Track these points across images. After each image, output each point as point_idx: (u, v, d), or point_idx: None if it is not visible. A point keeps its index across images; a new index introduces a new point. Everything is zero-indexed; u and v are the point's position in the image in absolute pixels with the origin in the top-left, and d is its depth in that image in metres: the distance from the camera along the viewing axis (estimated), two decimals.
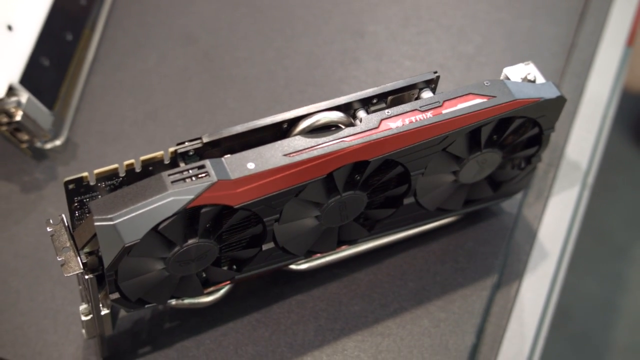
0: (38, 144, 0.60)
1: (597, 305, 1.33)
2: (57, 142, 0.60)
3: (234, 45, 0.66)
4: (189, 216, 0.45)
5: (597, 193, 1.45)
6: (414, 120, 0.47)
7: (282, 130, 0.47)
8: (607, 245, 1.41)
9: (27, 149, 0.59)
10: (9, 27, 0.58)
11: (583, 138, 0.62)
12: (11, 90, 0.57)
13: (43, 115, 0.58)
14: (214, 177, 0.44)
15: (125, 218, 0.43)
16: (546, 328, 0.57)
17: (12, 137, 0.58)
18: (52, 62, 0.60)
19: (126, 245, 0.43)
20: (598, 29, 0.67)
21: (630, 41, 0.68)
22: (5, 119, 0.56)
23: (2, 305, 0.54)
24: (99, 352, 0.51)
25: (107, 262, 0.44)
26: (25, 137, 0.58)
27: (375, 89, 0.48)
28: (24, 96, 0.56)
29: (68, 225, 0.45)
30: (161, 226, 0.44)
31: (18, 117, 0.56)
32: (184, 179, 0.44)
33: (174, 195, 0.43)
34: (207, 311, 0.54)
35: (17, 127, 0.57)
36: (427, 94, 0.49)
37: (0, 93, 0.56)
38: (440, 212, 0.55)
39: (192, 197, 0.43)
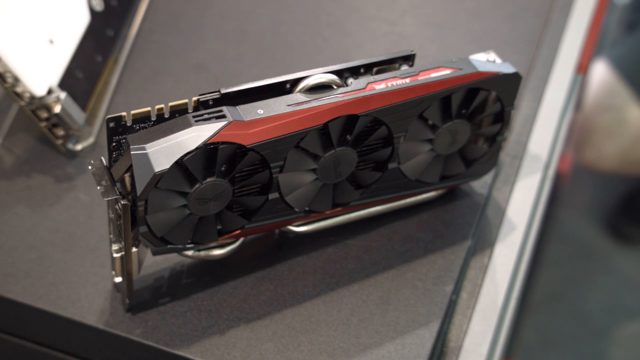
0: (70, 145, 0.68)
1: None
2: (86, 143, 0.69)
3: (239, 72, 0.77)
4: (208, 155, 0.53)
5: (577, 281, 1.55)
6: (395, 84, 0.57)
7: (285, 90, 0.57)
8: (588, 327, 1.48)
9: (61, 146, 0.68)
10: (51, 41, 0.68)
11: (542, 136, 0.72)
12: (50, 92, 0.66)
13: (77, 112, 0.67)
14: (230, 118, 0.53)
15: (156, 148, 0.52)
16: (517, 288, 0.65)
17: (49, 133, 0.67)
18: (84, 76, 0.70)
19: (156, 173, 0.52)
20: (552, 54, 0.78)
21: (580, 69, 0.79)
22: (45, 115, 0.66)
23: (39, 268, 0.61)
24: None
25: (139, 190, 0.52)
26: (61, 132, 0.67)
27: (362, 60, 0.58)
28: (62, 94, 0.66)
29: (106, 165, 0.54)
30: (185, 158, 0.52)
31: (57, 109, 0.65)
32: (204, 120, 0.53)
33: (197, 131, 0.52)
34: (218, 269, 0.61)
35: (55, 122, 0.66)
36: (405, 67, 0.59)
37: (42, 91, 0.65)
38: (420, 184, 0.63)
39: (211, 133, 0.52)
